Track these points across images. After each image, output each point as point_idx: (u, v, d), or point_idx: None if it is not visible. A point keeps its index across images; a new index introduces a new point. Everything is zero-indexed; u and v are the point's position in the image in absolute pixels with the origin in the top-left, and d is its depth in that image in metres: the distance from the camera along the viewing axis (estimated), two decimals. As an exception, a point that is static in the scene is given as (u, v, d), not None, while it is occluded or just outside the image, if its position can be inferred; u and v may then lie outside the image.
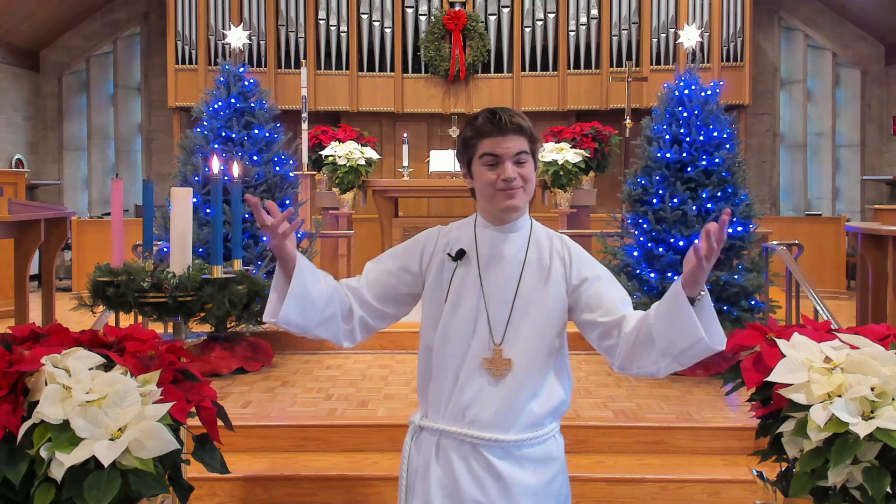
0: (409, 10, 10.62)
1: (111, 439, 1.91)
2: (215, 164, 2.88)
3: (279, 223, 1.86)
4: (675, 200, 4.95)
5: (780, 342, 2.25)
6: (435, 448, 1.98)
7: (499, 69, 10.83)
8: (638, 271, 5.04)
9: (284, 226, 1.87)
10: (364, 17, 10.60)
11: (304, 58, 10.21)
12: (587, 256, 2.06)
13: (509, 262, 1.99)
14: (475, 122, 1.97)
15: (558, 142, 7.55)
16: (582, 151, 7.36)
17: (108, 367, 2.11)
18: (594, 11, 10.58)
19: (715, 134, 5.03)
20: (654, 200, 5.03)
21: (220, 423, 2.24)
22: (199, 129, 5.45)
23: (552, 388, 2.01)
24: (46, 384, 1.96)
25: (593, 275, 2.01)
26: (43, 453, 1.87)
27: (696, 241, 1.73)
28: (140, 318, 4.13)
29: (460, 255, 2.01)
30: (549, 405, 1.99)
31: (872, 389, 2.06)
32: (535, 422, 1.97)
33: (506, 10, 10.64)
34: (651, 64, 10.53)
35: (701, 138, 5.01)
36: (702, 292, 1.78)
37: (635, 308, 2.03)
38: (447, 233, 2.07)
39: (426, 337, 2.04)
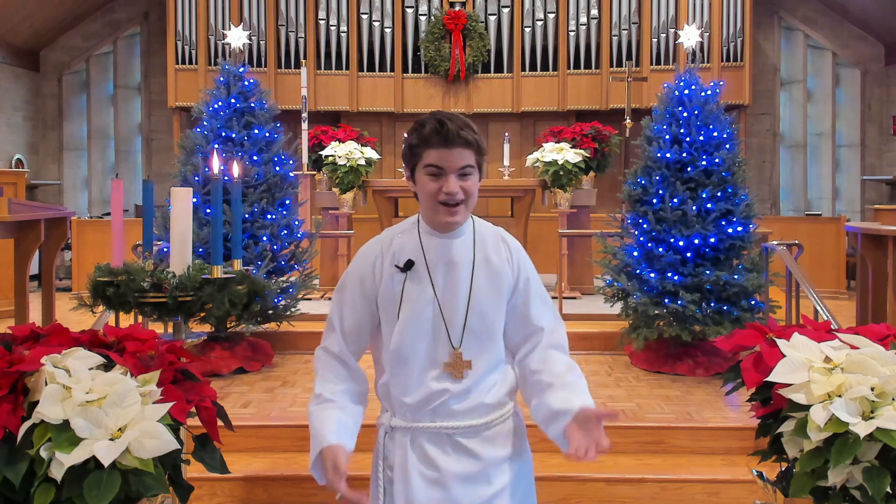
0: (409, 10, 10.62)
1: (111, 439, 1.91)
2: (215, 164, 2.88)
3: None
4: (675, 200, 4.95)
5: (780, 342, 2.25)
6: (410, 442, 2.01)
7: (499, 69, 10.83)
8: (638, 271, 5.04)
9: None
10: (364, 17, 10.60)
11: (304, 58, 10.21)
12: (524, 253, 2.12)
13: (459, 266, 2.00)
14: (422, 129, 1.95)
15: (558, 142, 7.54)
16: (582, 151, 7.35)
17: (108, 367, 2.11)
18: (594, 11, 10.58)
19: (715, 134, 5.03)
20: (654, 200, 5.03)
21: (220, 423, 2.24)
22: (199, 129, 5.45)
23: (506, 372, 2.08)
24: (46, 384, 1.96)
25: (525, 276, 2.08)
26: (43, 453, 1.87)
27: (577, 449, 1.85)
28: (140, 318, 4.12)
29: (409, 265, 2.00)
30: (505, 388, 2.06)
31: (872, 389, 2.06)
32: (498, 403, 2.04)
33: (506, 10, 10.64)
34: (651, 64, 10.53)
35: (701, 138, 5.00)
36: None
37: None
38: (389, 243, 2.05)
39: (385, 347, 2.03)
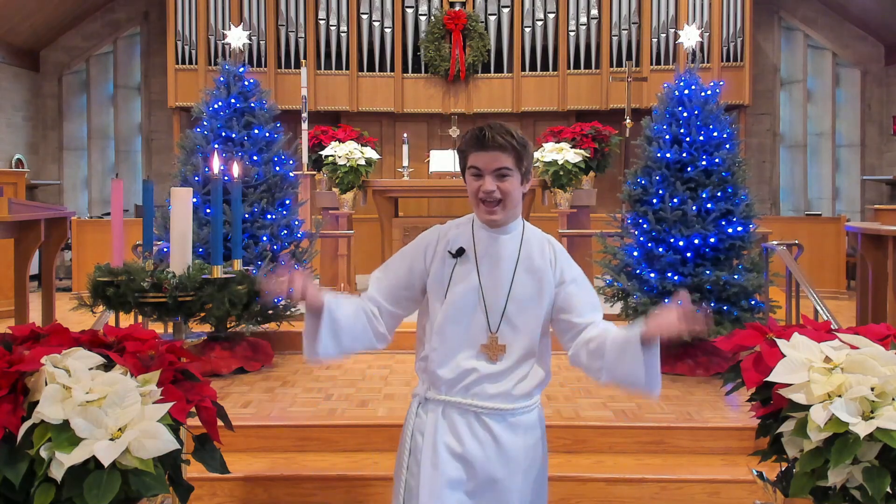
0: (409, 10, 10.62)
1: (111, 439, 1.91)
2: (215, 164, 2.88)
3: (286, 286, 2.08)
4: (675, 200, 4.95)
5: (780, 342, 2.25)
6: (441, 413, 2.19)
7: (499, 69, 10.83)
8: (638, 271, 5.04)
9: (298, 280, 2.08)
10: (364, 17, 10.60)
11: (304, 58, 10.21)
12: (568, 258, 2.32)
13: (504, 260, 2.21)
14: (467, 136, 2.19)
15: (558, 142, 7.54)
16: (582, 151, 7.35)
17: (108, 367, 2.11)
18: (594, 11, 10.58)
19: (715, 134, 5.02)
20: (654, 200, 5.03)
21: (220, 423, 2.24)
22: (199, 129, 5.45)
23: (538, 367, 2.25)
24: (46, 384, 1.96)
25: (570, 277, 2.27)
26: (43, 453, 1.87)
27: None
28: (140, 318, 4.13)
29: (460, 252, 2.21)
30: (535, 381, 2.24)
31: (872, 389, 2.06)
32: (526, 394, 2.23)
33: (506, 10, 10.64)
34: (651, 64, 10.53)
35: (701, 138, 5.00)
36: (655, 345, 2.15)
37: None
38: (446, 232, 2.28)
39: (429, 325, 2.23)
